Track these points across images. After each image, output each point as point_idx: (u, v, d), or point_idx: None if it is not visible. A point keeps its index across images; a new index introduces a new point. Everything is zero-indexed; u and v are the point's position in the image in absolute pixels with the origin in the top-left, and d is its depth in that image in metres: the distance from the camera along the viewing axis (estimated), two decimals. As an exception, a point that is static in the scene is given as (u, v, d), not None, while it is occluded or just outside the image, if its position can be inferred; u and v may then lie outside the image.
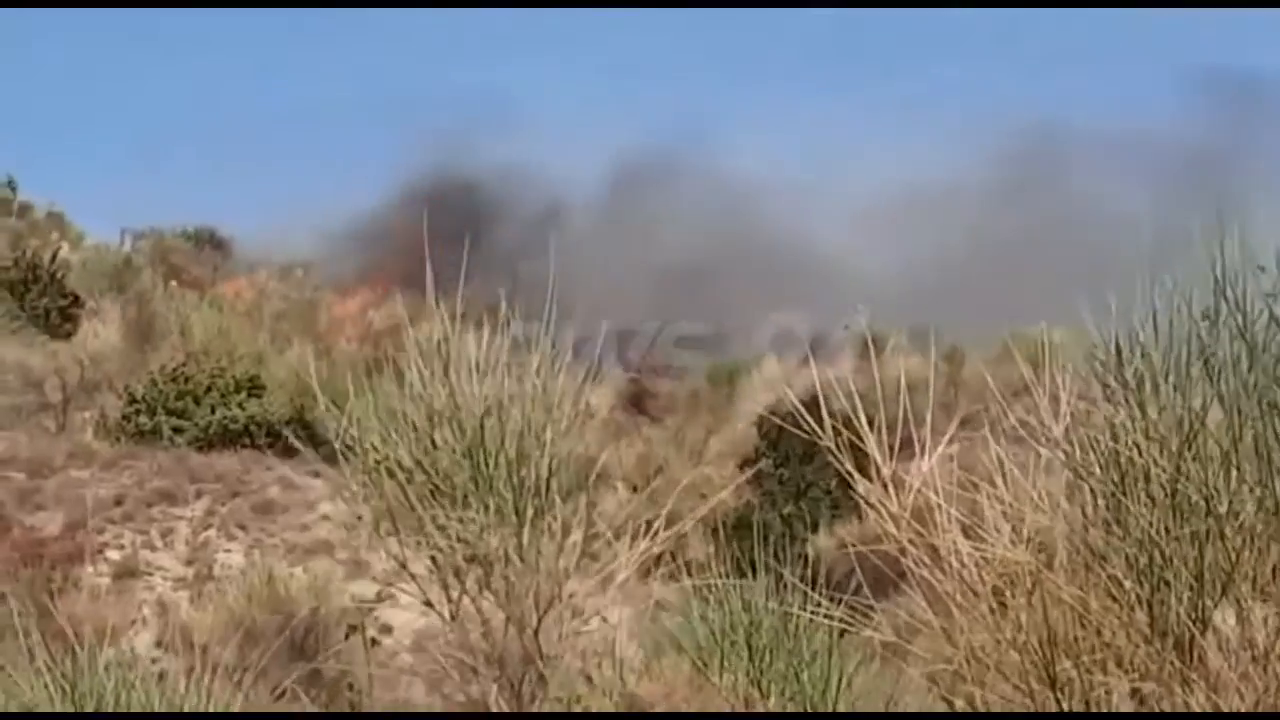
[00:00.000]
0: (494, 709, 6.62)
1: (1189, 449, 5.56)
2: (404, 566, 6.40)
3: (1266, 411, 5.52)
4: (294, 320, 32.94)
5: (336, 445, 6.39)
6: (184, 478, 25.88)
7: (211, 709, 7.63)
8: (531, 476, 6.62)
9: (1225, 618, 5.74)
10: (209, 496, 25.48)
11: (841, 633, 7.76)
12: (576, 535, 6.74)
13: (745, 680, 7.69)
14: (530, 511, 6.62)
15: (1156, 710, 5.73)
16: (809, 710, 7.79)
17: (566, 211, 52.45)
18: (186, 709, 7.59)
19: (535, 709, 6.67)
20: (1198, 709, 5.66)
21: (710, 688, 7.83)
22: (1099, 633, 5.87)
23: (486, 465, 6.52)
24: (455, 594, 6.50)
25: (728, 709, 7.74)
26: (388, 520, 6.46)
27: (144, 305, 32.81)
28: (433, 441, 6.48)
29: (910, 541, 6.05)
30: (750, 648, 7.63)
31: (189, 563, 24.12)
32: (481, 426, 6.48)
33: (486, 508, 6.51)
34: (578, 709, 6.95)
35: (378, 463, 6.38)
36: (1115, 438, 5.72)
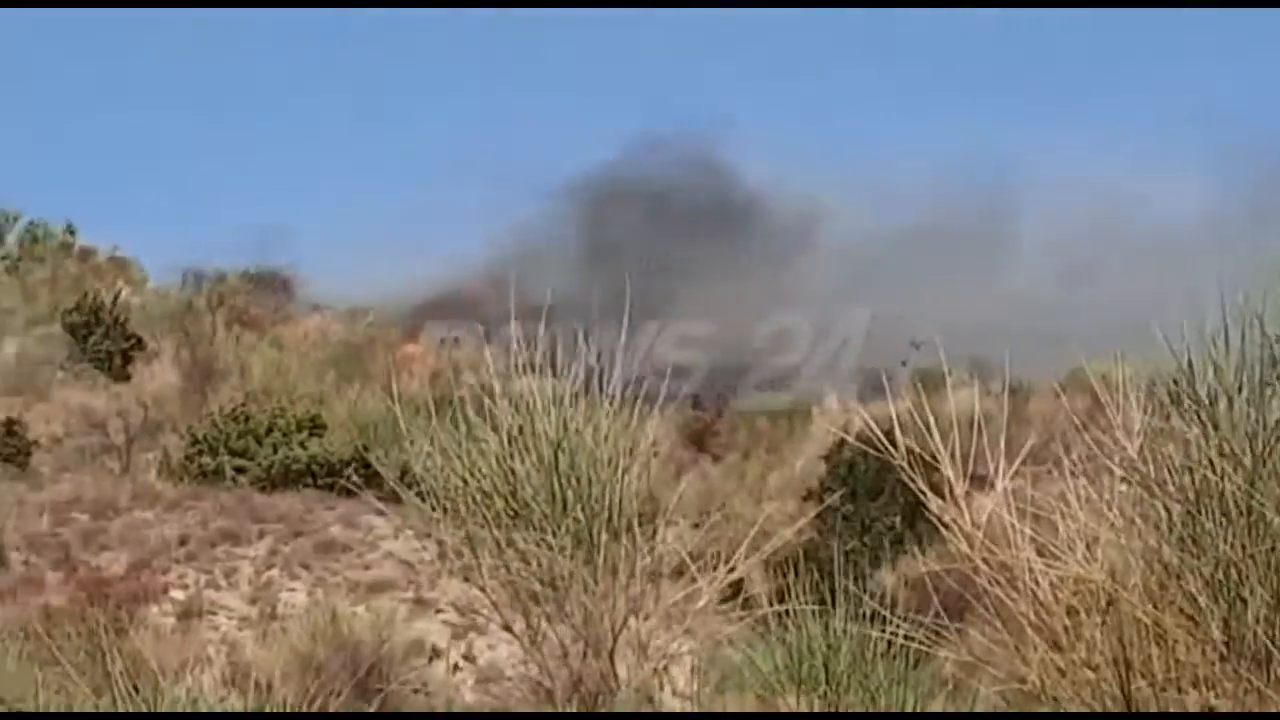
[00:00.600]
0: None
1: (1263, 465, 5.57)
2: (483, 590, 6.48)
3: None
4: (356, 361, 33.06)
5: (418, 470, 6.47)
6: (247, 518, 26.04)
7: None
8: (605, 503, 6.70)
9: (1301, 634, 5.74)
10: (272, 536, 25.62)
11: (915, 661, 7.78)
12: (649, 561, 6.80)
13: (821, 705, 7.71)
14: (605, 538, 6.69)
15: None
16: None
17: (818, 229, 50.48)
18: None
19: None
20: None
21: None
22: (1174, 651, 5.87)
23: (563, 491, 6.60)
24: (536, 620, 6.57)
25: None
26: (467, 546, 6.54)
27: (204, 346, 33.04)
28: (512, 469, 6.57)
29: (984, 560, 6.07)
30: (828, 671, 7.65)
31: (253, 602, 24.25)
32: (557, 453, 6.56)
33: (561, 530, 6.59)
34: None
35: (464, 483, 6.45)
36: (1189, 455, 5.74)
